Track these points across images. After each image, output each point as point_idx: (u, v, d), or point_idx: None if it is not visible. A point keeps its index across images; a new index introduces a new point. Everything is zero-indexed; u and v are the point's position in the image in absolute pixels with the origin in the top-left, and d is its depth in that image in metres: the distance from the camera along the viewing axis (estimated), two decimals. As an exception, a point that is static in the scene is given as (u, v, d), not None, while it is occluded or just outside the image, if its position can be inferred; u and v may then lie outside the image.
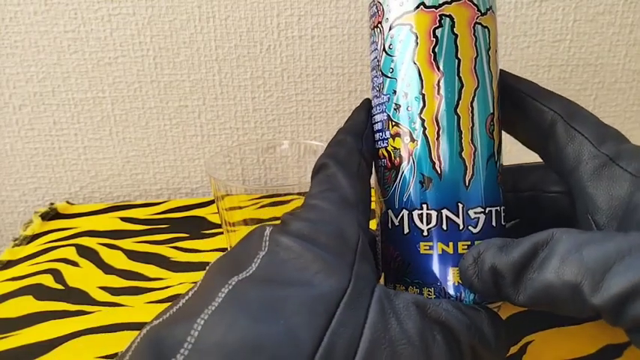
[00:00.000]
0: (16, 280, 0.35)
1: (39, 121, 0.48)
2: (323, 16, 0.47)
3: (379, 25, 0.25)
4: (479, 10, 0.24)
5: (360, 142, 0.25)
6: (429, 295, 0.25)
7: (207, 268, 0.19)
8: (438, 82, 0.24)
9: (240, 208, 0.32)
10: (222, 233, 0.41)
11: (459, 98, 0.24)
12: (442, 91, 0.24)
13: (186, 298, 0.17)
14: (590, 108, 0.51)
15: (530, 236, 0.20)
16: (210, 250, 0.39)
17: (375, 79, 0.26)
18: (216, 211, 0.34)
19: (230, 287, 0.17)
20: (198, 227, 0.42)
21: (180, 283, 0.34)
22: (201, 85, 0.48)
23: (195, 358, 0.14)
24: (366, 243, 0.21)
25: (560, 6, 0.48)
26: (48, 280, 0.35)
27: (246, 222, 0.33)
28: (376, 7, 0.26)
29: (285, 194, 0.33)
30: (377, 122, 0.26)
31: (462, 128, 0.24)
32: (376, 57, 0.26)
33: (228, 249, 0.34)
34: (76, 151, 0.49)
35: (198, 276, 0.35)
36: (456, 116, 0.24)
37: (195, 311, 0.16)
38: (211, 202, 0.47)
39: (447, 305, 0.20)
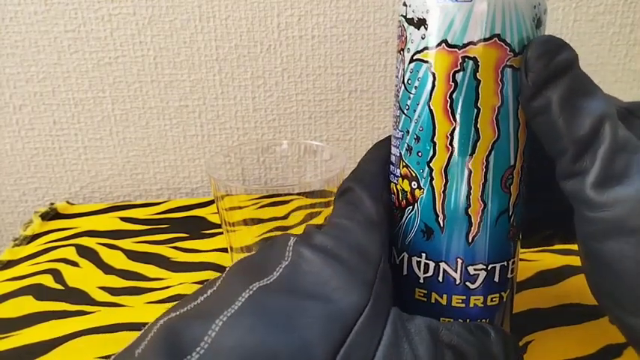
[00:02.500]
0: (16, 280, 0.35)
1: (39, 121, 0.48)
2: (323, 16, 0.47)
3: (402, 52, 0.23)
4: (512, 50, 0.21)
5: (386, 170, 0.24)
6: None
7: (227, 269, 0.19)
8: (452, 132, 0.21)
9: (240, 208, 0.32)
10: (222, 233, 0.41)
11: (473, 152, 0.21)
12: (455, 143, 0.21)
13: (205, 295, 0.17)
14: (590, 108, 0.51)
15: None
16: (210, 250, 0.39)
17: (395, 108, 0.24)
18: (216, 211, 0.34)
19: (250, 293, 0.17)
20: (198, 227, 0.42)
21: (180, 283, 0.34)
22: (201, 84, 0.48)
23: (210, 358, 0.15)
24: (387, 264, 0.21)
25: (560, 6, 0.48)
26: (48, 280, 0.35)
27: (246, 222, 0.33)
28: (401, 31, 0.23)
29: (285, 194, 0.33)
30: (392, 154, 0.25)
31: (471, 184, 0.22)
32: (397, 85, 0.24)
33: (228, 249, 0.34)
34: (76, 151, 0.49)
35: (198, 276, 0.35)
36: (466, 170, 0.22)
37: (214, 311, 0.16)
38: (211, 202, 0.47)
39: (458, 328, 0.20)
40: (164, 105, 0.48)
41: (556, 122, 0.19)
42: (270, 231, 0.34)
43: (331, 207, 0.33)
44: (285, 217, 0.33)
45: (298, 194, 0.33)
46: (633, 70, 0.50)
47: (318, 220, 0.33)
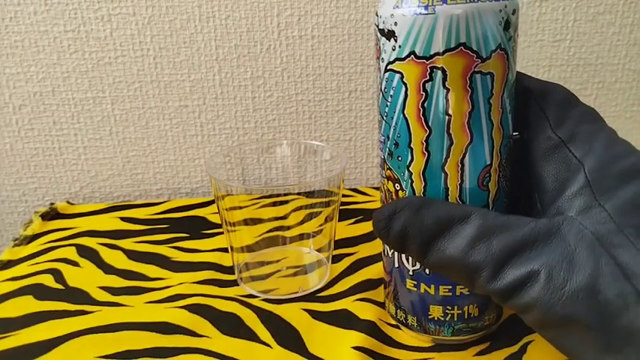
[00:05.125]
0: (16, 280, 0.35)
1: (39, 121, 0.48)
2: (323, 16, 0.47)
3: (378, 60, 0.24)
4: (479, 57, 0.21)
5: None
6: (412, 322, 0.27)
7: None
8: (426, 138, 0.22)
9: (241, 208, 0.32)
10: (222, 233, 0.41)
11: (447, 156, 0.22)
12: (429, 148, 0.22)
13: None
14: (590, 108, 0.51)
15: (449, 207, 0.21)
16: (210, 250, 0.39)
17: (378, 112, 0.25)
18: (217, 211, 0.34)
19: None
20: (198, 227, 0.42)
21: (180, 283, 0.34)
22: (201, 85, 0.48)
23: None
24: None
25: (560, 6, 0.48)
26: (48, 280, 0.35)
27: (246, 222, 0.33)
28: (376, 40, 0.24)
29: (285, 194, 0.33)
30: (378, 156, 0.26)
31: (448, 185, 0.23)
32: (377, 91, 0.24)
33: (229, 249, 0.34)
34: (76, 151, 0.49)
35: (199, 276, 0.35)
36: (443, 174, 0.23)
37: None
38: (211, 202, 0.47)
39: None
40: (164, 105, 0.48)
41: (455, 260, 0.21)
42: (271, 231, 0.34)
43: (331, 207, 0.33)
44: (285, 217, 0.33)
45: (298, 194, 0.33)
46: (633, 70, 0.50)
47: (319, 221, 0.33)
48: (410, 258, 0.25)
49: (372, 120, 0.50)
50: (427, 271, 0.25)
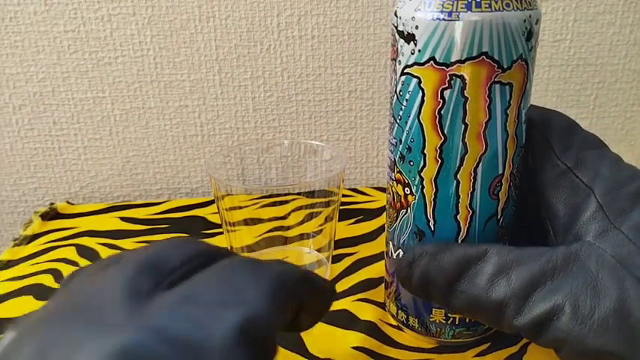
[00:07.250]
0: (16, 280, 0.35)
1: (39, 121, 0.48)
2: (323, 16, 0.47)
3: (394, 62, 0.23)
4: (500, 66, 0.20)
5: None
6: (413, 323, 0.27)
7: None
8: (441, 145, 0.22)
9: (241, 208, 0.32)
10: (222, 233, 0.41)
11: (461, 164, 0.22)
12: (443, 156, 0.22)
13: None
14: (590, 108, 0.51)
15: (464, 248, 0.21)
16: (211, 250, 0.39)
17: (389, 114, 0.25)
18: (217, 211, 0.34)
19: None
20: (198, 227, 0.42)
21: (181, 283, 0.34)
22: (201, 85, 0.48)
23: None
24: None
25: (560, 6, 0.48)
26: (48, 280, 0.35)
27: (246, 222, 0.33)
28: (393, 40, 0.23)
29: (285, 194, 0.33)
30: (388, 157, 0.25)
31: (460, 193, 0.23)
32: (391, 93, 0.24)
33: (229, 249, 0.34)
34: (76, 151, 0.49)
35: (199, 276, 0.35)
36: (455, 181, 0.22)
37: None
38: (211, 202, 0.47)
39: None
40: (164, 105, 0.48)
41: (479, 299, 0.21)
42: (271, 231, 0.34)
43: (331, 207, 0.33)
44: (285, 217, 0.33)
45: (298, 194, 0.33)
46: (633, 70, 0.50)
47: (319, 221, 0.33)
48: None
49: (372, 120, 0.50)
50: None
